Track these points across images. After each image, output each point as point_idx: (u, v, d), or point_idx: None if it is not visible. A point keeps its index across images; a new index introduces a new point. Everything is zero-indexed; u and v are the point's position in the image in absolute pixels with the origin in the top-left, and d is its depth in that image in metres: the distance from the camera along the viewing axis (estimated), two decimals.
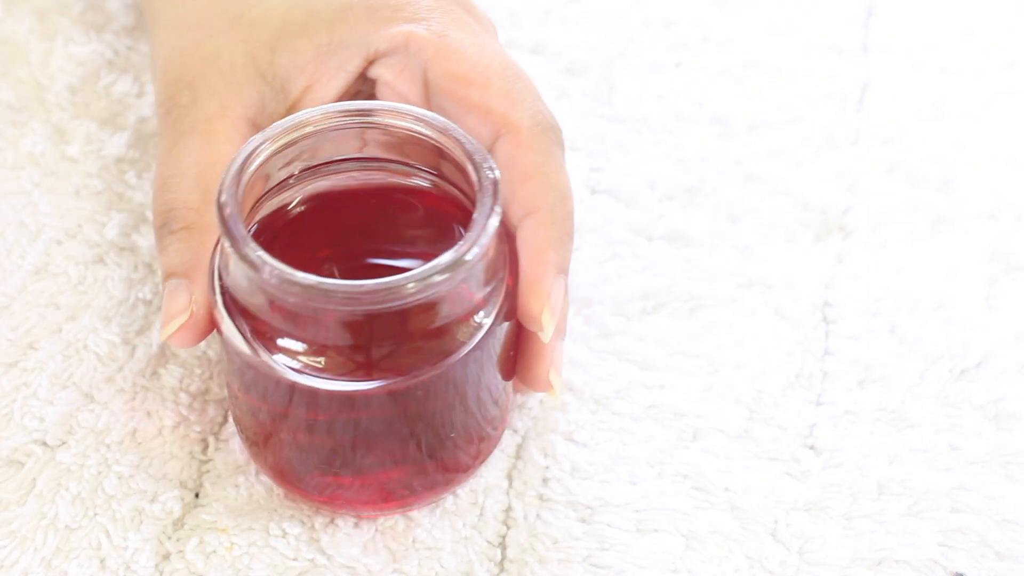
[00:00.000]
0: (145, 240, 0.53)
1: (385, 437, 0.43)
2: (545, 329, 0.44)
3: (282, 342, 0.41)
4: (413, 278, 0.39)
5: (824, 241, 0.54)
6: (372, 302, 0.39)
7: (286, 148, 0.43)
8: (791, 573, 0.45)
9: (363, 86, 0.48)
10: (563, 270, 0.45)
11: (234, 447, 0.48)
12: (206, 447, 0.48)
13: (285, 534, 0.46)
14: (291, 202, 0.45)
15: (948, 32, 0.62)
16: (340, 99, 0.47)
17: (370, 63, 0.46)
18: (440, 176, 0.44)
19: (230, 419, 0.48)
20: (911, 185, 0.56)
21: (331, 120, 0.43)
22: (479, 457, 0.46)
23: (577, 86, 0.59)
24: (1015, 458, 0.48)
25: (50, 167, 0.55)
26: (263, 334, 0.41)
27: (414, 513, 0.46)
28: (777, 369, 0.50)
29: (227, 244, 0.40)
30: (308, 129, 0.43)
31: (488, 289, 0.42)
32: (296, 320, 0.41)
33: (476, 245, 0.40)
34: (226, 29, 0.47)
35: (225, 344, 0.43)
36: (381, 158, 0.45)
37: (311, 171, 0.44)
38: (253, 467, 0.47)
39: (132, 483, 0.47)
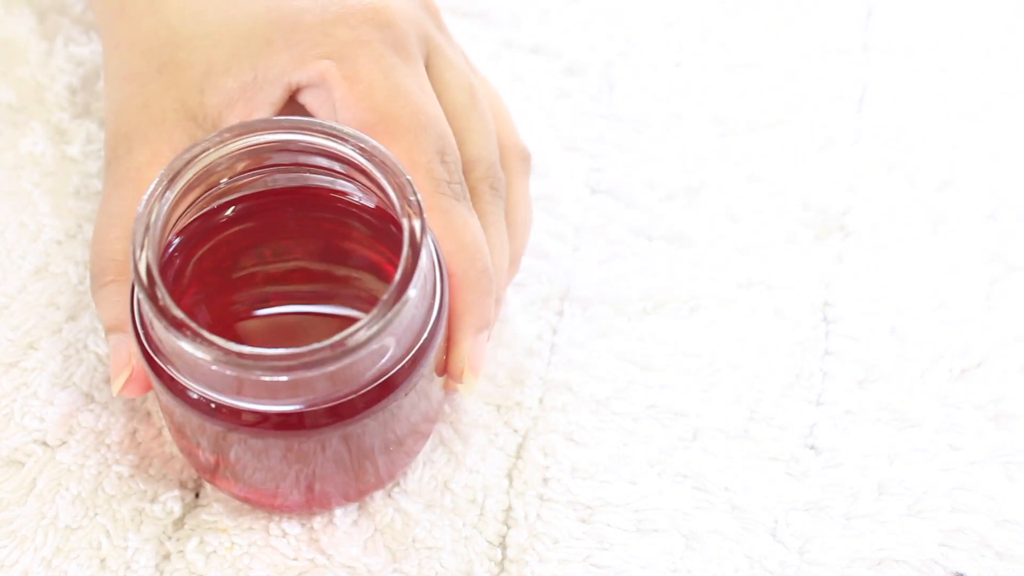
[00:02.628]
0: None
1: (332, 461, 0.43)
2: (466, 385, 0.45)
3: (206, 392, 0.40)
4: (345, 339, 0.38)
5: (824, 241, 0.54)
6: (301, 369, 0.38)
7: (190, 182, 0.42)
8: (791, 573, 0.45)
9: (294, 110, 0.48)
10: (483, 327, 0.45)
11: None
12: None
13: (285, 534, 0.46)
14: (215, 218, 0.44)
15: (948, 32, 0.62)
16: None
17: (295, 92, 0.47)
18: (357, 182, 0.44)
19: None
20: (911, 185, 0.56)
21: (225, 146, 0.42)
22: (424, 440, 0.47)
23: (577, 86, 0.59)
24: (1015, 458, 0.48)
25: (50, 167, 0.55)
26: (187, 382, 0.40)
27: (414, 511, 0.46)
28: (777, 369, 0.50)
29: (151, 313, 0.39)
30: (205, 161, 0.42)
31: (420, 322, 0.42)
32: (227, 379, 0.39)
33: (412, 286, 0.39)
34: (156, 77, 0.47)
35: (156, 392, 0.43)
36: (301, 164, 0.44)
37: (229, 186, 0.44)
38: None
39: (132, 483, 0.47)
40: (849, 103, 0.59)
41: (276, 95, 0.46)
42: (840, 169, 0.56)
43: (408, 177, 0.41)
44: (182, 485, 0.47)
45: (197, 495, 0.47)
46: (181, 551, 0.45)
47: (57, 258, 0.52)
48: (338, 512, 0.46)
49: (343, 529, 0.46)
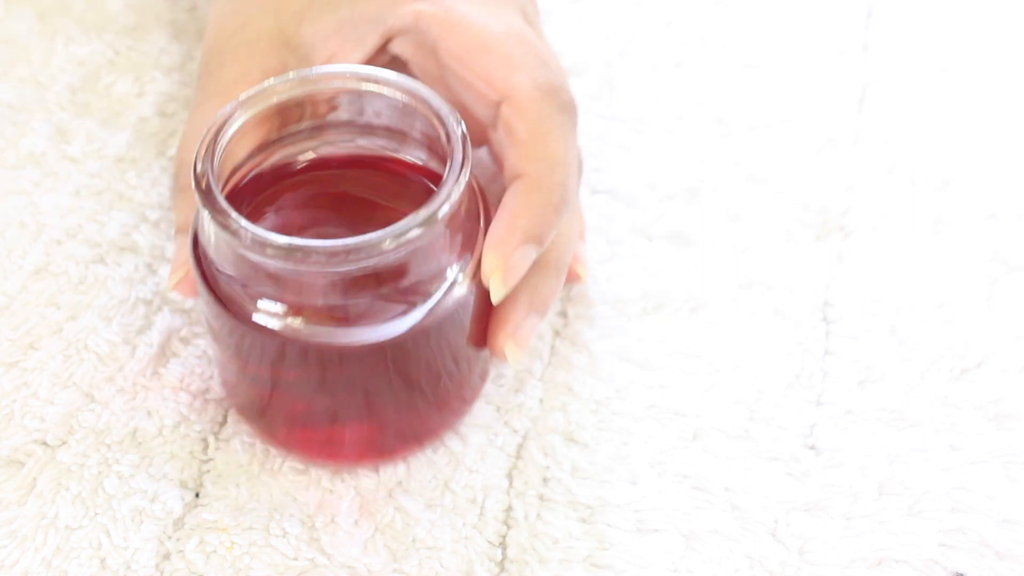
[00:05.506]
0: (145, 240, 0.53)
1: (367, 390, 0.44)
2: (494, 291, 0.43)
3: (261, 303, 0.42)
4: (389, 235, 0.40)
5: (824, 241, 0.54)
6: (349, 260, 0.40)
7: (260, 115, 0.44)
8: (791, 573, 0.45)
9: (390, 62, 0.49)
10: (534, 239, 0.44)
11: (236, 446, 0.48)
12: (206, 447, 0.48)
13: (285, 533, 0.46)
14: (272, 166, 0.46)
15: (948, 32, 0.62)
16: None
17: (389, 39, 0.48)
18: (416, 139, 0.45)
19: (230, 418, 0.48)
20: (911, 185, 0.56)
21: (298, 88, 0.44)
22: (465, 405, 0.47)
23: (577, 86, 0.59)
24: (1015, 458, 0.48)
25: (51, 167, 0.55)
26: (243, 295, 0.42)
27: (414, 511, 0.46)
28: (777, 369, 0.50)
29: (205, 211, 0.41)
30: (275, 99, 0.44)
31: (460, 242, 0.43)
32: (275, 281, 0.41)
33: (447, 202, 0.41)
34: (260, 1, 0.49)
35: (207, 307, 0.44)
36: (360, 123, 0.46)
37: (292, 136, 0.46)
38: (255, 466, 0.47)
39: (132, 483, 0.47)
40: (849, 103, 0.59)
41: (369, 38, 0.47)
42: (840, 169, 0.56)
43: (456, 116, 0.43)
44: (182, 485, 0.47)
45: (197, 495, 0.47)
46: (181, 551, 0.45)
47: (57, 258, 0.52)
48: (340, 511, 0.46)
49: (344, 528, 0.46)
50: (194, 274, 0.43)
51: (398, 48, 0.48)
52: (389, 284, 0.42)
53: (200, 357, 0.50)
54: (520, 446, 0.48)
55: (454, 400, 0.47)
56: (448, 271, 0.43)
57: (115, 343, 0.50)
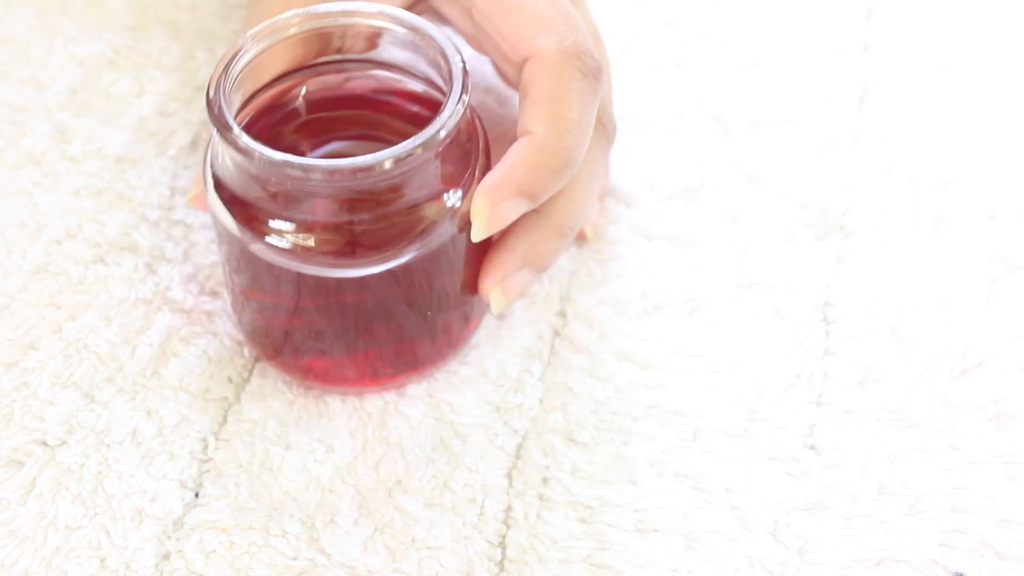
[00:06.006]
0: (145, 240, 0.53)
1: (371, 311, 0.46)
2: (475, 229, 0.44)
3: (271, 224, 0.44)
4: (389, 155, 0.42)
5: (824, 241, 0.54)
6: (351, 178, 0.42)
7: (273, 46, 0.46)
8: (791, 573, 0.45)
9: (432, 17, 0.50)
10: (526, 194, 0.44)
11: (236, 446, 0.48)
12: (206, 446, 0.48)
13: (285, 533, 0.46)
14: (283, 98, 0.48)
15: (948, 32, 0.62)
16: None
17: None
18: (421, 76, 0.47)
19: (230, 418, 0.48)
20: (911, 185, 0.56)
21: (308, 23, 0.46)
22: (467, 330, 0.49)
23: None
24: (1015, 458, 0.48)
25: (50, 167, 0.55)
26: (253, 218, 0.44)
27: (413, 510, 0.46)
28: (777, 369, 0.50)
29: (217, 134, 0.43)
30: (292, 31, 0.46)
31: (457, 173, 0.45)
32: (282, 202, 0.43)
33: (444, 128, 0.43)
34: None
35: (220, 232, 0.45)
36: (371, 60, 0.48)
37: (317, 67, 0.48)
38: (254, 466, 0.47)
39: (132, 483, 0.47)
40: (849, 103, 0.59)
41: None
42: (840, 169, 0.56)
43: (458, 53, 0.44)
44: (182, 485, 0.47)
45: (197, 495, 0.47)
46: (181, 551, 0.45)
47: (57, 258, 0.52)
48: (340, 511, 0.46)
49: (343, 528, 0.46)
50: (209, 195, 0.45)
51: (437, 3, 0.49)
52: (390, 205, 0.43)
53: (200, 357, 0.50)
54: (520, 446, 0.48)
55: (443, 330, 0.48)
56: (445, 198, 0.44)
57: (115, 343, 0.50)
